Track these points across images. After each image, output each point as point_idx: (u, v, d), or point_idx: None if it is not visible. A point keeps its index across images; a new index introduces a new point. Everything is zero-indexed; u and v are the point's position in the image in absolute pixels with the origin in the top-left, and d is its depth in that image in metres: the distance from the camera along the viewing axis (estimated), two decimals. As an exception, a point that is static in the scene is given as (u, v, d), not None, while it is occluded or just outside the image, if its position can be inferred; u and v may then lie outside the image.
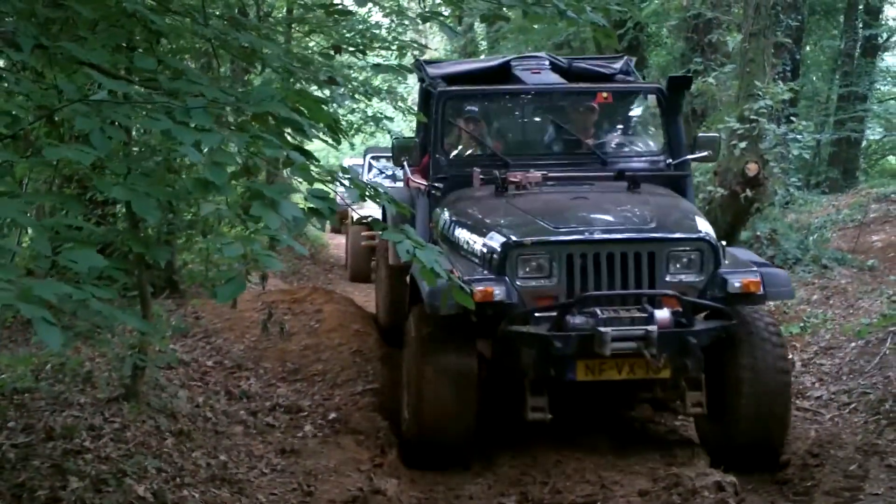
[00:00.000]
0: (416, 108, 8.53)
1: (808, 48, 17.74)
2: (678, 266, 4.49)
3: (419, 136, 6.48)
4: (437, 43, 22.33)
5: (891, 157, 20.26)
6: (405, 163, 5.88)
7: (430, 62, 6.78)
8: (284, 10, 11.39)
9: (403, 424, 4.87)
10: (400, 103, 12.96)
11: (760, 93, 8.35)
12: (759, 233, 8.65)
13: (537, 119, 6.11)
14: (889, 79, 19.31)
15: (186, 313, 6.73)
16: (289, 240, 2.38)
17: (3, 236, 4.68)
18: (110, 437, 4.01)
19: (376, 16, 12.85)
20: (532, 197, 5.02)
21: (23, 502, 3.31)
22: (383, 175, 12.68)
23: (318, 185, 2.62)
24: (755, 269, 4.58)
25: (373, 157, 13.39)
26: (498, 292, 4.31)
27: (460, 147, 5.79)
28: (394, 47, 10.35)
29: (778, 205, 10.03)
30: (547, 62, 6.14)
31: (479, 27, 18.53)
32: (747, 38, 8.89)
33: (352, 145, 14.80)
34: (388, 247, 6.57)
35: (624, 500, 4.07)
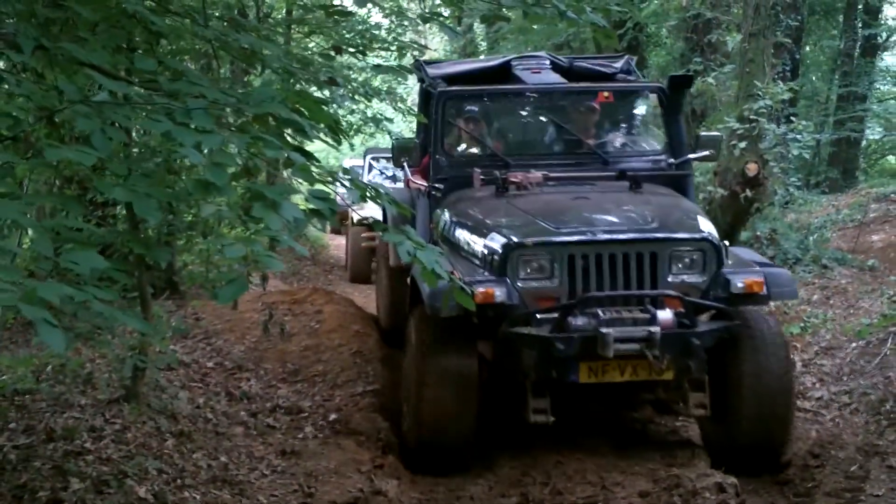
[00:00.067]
0: (416, 109, 8.53)
1: (807, 48, 17.74)
2: (680, 266, 4.46)
3: (419, 137, 6.47)
4: (436, 43, 22.32)
5: (890, 157, 20.25)
6: (405, 163, 5.87)
7: (429, 62, 6.77)
8: (284, 12, 11.39)
9: (404, 426, 4.85)
10: (400, 104, 12.95)
11: (760, 93, 8.35)
12: (759, 233, 8.65)
13: (538, 119, 6.09)
14: (889, 78, 19.30)
15: (186, 314, 6.73)
16: (290, 241, 2.38)
17: (4, 237, 4.68)
18: (111, 438, 4.01)
19: (376, 17, 12.86)
20: (533, 197, 4.99)
21: (24, 503, 3.31)
22: (383, 176, 12.68)
23: (318, 186, 2.62)
24: (758, 268, 4.56)
25: (373, 158, 13.40)
26: (499, 293, 4.29)
27: (461, 147, 5.77)
28: (393, 48, 10.35)
29: (778, 205, 10.02)
30: (547, 62, 6.12)
31: (479, 28, 18.53)
32: (747, 39, 8.89)
33: (351, 146, 14.79)
34: (388, 248, 6.56)
35: (625, 502, 4.07)
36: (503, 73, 5.99)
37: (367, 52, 8.78)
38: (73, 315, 3.67)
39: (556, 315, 4.29)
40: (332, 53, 5.38)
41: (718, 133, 6.31)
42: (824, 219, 11.12)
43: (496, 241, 4.52)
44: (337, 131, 3.09)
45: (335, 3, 4.64)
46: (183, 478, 3.83)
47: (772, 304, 6.08)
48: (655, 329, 4.14)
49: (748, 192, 7.89)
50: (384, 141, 15.52)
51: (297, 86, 3.91)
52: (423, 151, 5.70)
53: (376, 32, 11.31)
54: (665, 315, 4.24)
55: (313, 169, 2.63)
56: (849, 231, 10.40)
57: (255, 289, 6.64)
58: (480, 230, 4.75)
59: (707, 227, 4.63)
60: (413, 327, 4.74)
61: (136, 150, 4.73)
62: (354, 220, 10.43)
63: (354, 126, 14.49)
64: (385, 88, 13.30)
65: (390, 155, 6.05)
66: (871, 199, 12.29)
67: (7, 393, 4.45)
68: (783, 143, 9.15)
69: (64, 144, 3.28)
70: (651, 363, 4.18)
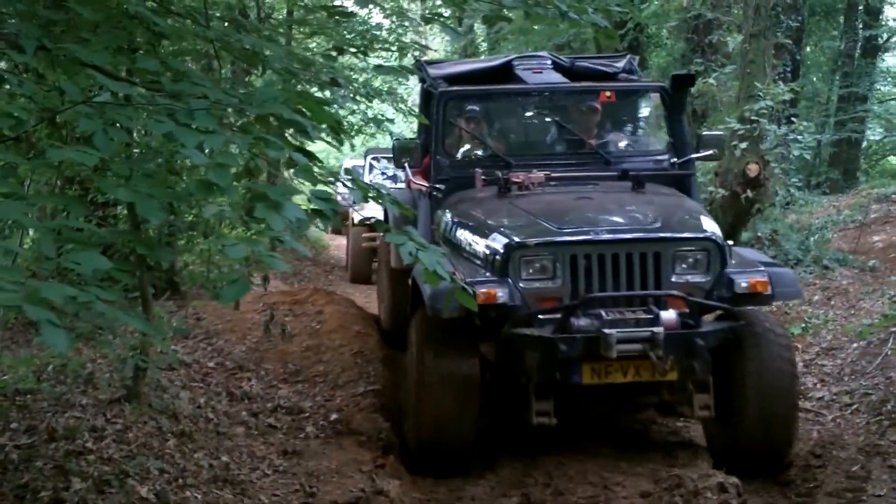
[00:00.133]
0: (416, 110, 8.52)
1: (808, 49, 17.75)
2: (684, 266, 4.42)
3: (420, 138, 6.45)
4: (437, 44, 22.34)
5: (891, 158, 20.26)
6: (406, 164, 5.86)
7: (431, 62, 6.75)
8: (285, 12, 11.41)
9: (405, 428, 4.84)
10: (401, 105, 12.97)
11: (761, 93, 8.36)
12: (759, 233, 8.65)
13: (540, 119, 6.06)
14: (889, 79, 19.33)
15: (187, 315, 6.73)
16: (292, 241, 2.38)
17: (5, 238, 4.68)
18: (112, 438, 4.01)
19: (377, 17, 12.87)
20: (535, 197, 4.96)
21: (26, 503, 3.31)
22: (384, 176, 12.69)
23: (320, 187, 2.62)
24: (762, 268, 4.52)
25: (373, 159, 13.40)
26: (501, 294, 4.26)
27: (462, 148, 5.75)
28: (394, 48, 10.37)
29: (779, 205, 10.03)
30: (549, 61, 6.10)
31: (480, 28, 18.54)
32: (748, 39, 8.90)
33: (352, 147, 14.81)
34: (389, 249, 6.55)
35: (626, 502, 4.08)
36: (505, 73, 5.97)
37: (369, 53, 8.79)
38: (75, 315, 3.68)
39: (558, 316, 4.26)
40: (334, 54, 5.38)
41: (721, 132, 6.28)
42: (825, 219, 11.12)
43: (498, 242, 4.50)
44: (339, 132, 3.09)
45: (336, 3, 4.63)
46: (184, 477, 3.83)
47: (772, 304, 6.06)
48: (659, 330, 4.11)
49: (749, 193, 7.90)
50: (385, 141, 15.53)
51: (299, 86, 3.91)
52: (425, 152, 5.68)
53: (377, 33, 11.33)
54: (668, 315, 4.20)
55: (315, 169, 2.64)
56: (850, 232, 10.40)
57: (257, 289, 6.64)
58: (482, 231, 4.72)
59: (710, 226, 4.60)
60: (414, 329, 4.72)
61: (137, 150, 4.73)
62: (355, 221, 10.44)
63: (355, 126, 14.51)
64: (386, 89, 13.32)
65: (391, 155, 6.03)
66: (871, 199, 12.30)
67: (8, 393, 4.45)
68: (784, 144, 9.15)
69: (65, 145, 3.29)
70: (654, 364, 4.14)
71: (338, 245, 15.43)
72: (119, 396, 4.47)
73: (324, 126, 2.84)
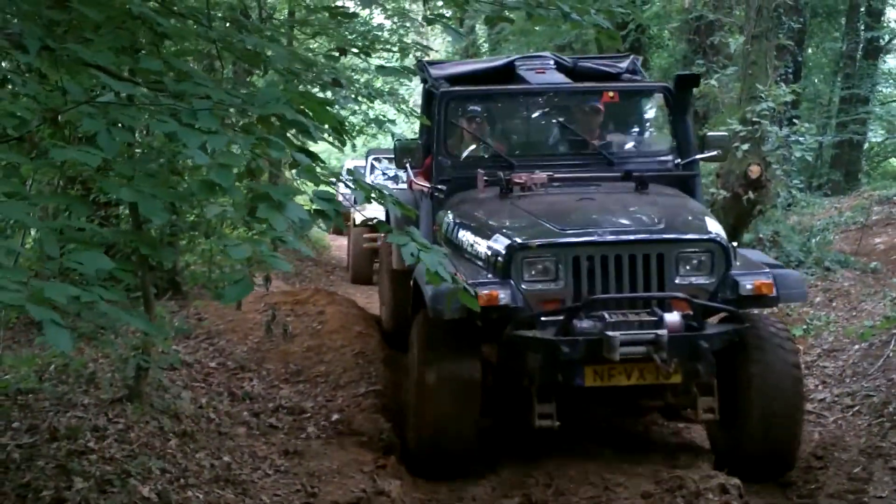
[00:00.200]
0: (418, 110, 8.52)
1: (810, 50, 17.75)
2: (688, 268, 4.38)
3: (422, 138, 6.43)
4: (438, 45, 22.34)
5: (893, 160, 20.24)
6: (408, 165, 5.84)
7: (433, 63, 6.73)
8: (286, 13, 11.42)
9: (406, 430, 4.82)
10: (402, 106, 12.97)
11: (762, 95, 8.36)
12: (761, 235, 8.65)
13: (542, 119, 5.98)
14: (891, 81, 19.33)
15: (189, 315, 6.74)
16: (295, 241, 2.38)
17: (7, 238, 4.69)
18: (114, 437, 4.01)
19: (378, 18, 12.89)
20: (537, 198, 4.93)
21: (28, 502, 3.32)
22: (385, 177, 12.70)
23: (323, 187, 2.63)
24: (767, 270, 4.49)
25: (375, 159, 13.41)
26: (503, 296, 4.23)
27: (464, 148, 5.73)
28: (395, 49, 10.37)
29: (780, 207, 10.03)
30: (552, 62, 6.07)
31: (481, 29, 18.55)
32: (749, 41, 8.90)
33: (353, 147, 14.82)
34: (391, 250, 6.53)
35: (627, 503, 4.07)
36: (507, 73, 5.93)
37: (371, 54, 8.79)
38: (77, 315, 3.68)
39: (561, 318, 4.22)
40: (336, 54, 5.37)
41: (726, 132, 6.23)
42: (827, 221, 11.12)
43: (500, 243, 4.47)
44: (341, 132, 3.10)
45: (338, 4, 4.63)
46: (186, 477, 3.83)
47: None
48: (662, 332, 4.06)
49: (751, 195, 7.89)
50: (386, 142, 15.54)
51: (301, 87, 3.91)
52: (426, 152, 5.66)
53: (378, 34, 11.34)
54: (672, 318, 4.16)
55: (318, 170, 2.64)
56: (851, 233, 10.41)
57: (258, 289, 6.64)
58: (484, 232, 4.69)
59: (715, 227, 4.56)
60: (416, 330, 4.70)
61: (138, 150, 4.73)
62: (356, 221, 10.44)
63: (357, 127, 14.52)
64: (387, 90, 13.32)
65: (392, 156, 6.02)
66: (873, 201, 12.30)
67: (10, 392, 4.46)
68: (785, 146, 9.15)
69: (68, 145, 3.29)
70: (658, 367, 4.10)
71: (339, 245, 15.44)
72: (121, 396, 4.47)
73: (326, 126, 2.84)
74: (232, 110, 2.63)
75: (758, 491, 4.35)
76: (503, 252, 4.42)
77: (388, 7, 11.44)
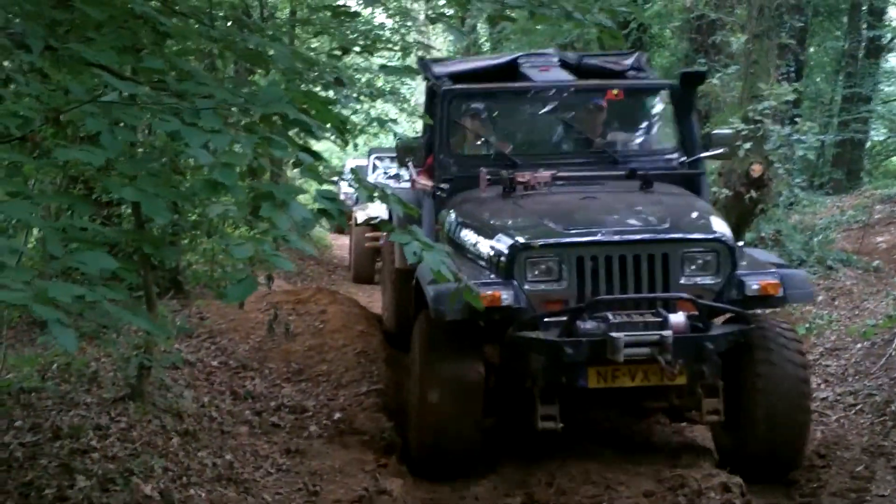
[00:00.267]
0: (420, 110, 8.51)
1: (811, 49, 17.72)
2: (693, 268, 4.33)
3: (425, 137, 6.40)
4: (440, 44, 22.34)
5: (895, 158, 20.22)
6: (410, 163, 5.81)
7: (435, 61, 6.71)
8: (288, 12, 11.43)
9: (408, 430, 4.79)
10: (404, 105, 12.98)
11: (764, 94, 8.36)
12: (763, 234, 8.64)
13: (546, 118, 5.86)
14: (893, 79, 19.29)
15: (191, 314, 6.74)
16: (298, 241, 2.38)
17: (11, 237, 4.69)
18: (117, 436, 4.02)
19: (380, 17, 12.89)
20: (540, 198, 4.89)
21: (31, 501, 3.32)
22: (387, 175, 12.71)
23: (326, 186, 2.63)
24: (773, 270, 4.44)
25: (377, 158, 13.42)
26: (505, 296, 4.19)
27: (466, 147, 5.67)
28: (397, 48, 10.37)
29: (782, 206, 10.01)
30: (556, 59, 6.02)
31: (483, 28, 18.53)
32: (751, 40, 8.91)
33: (355, 146, 14.84)
34: (393, 249, 6.52)
35: (629, 502, 4.06)
36: (510, 70, 5.87)
37: (373, 53, 8.78)
38: (80, 314, 3.68)
39: (564, 319, 4.19)
40: (339, 53, 5.38)
41: (731, 131, 6.18)
42: (829, 220, 11.11)
43: (502, 243, 4.43)
44: (344, 131, 3.10)
45: (339, 3, 4.63)
46: (188, 476, 3.84)
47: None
48: (667, 333, 4.02)
49: (752, 193, 7.89)
50: (388, 141, 15.55)
51: (303, 86, 3.91)
52: (429, 151, 5.63)
53: (380, 33, 11.34)
54: (677, 318, 4.11)
55: (321, 169, 2.64)
56: (853, 232, 10.40)
57: (261, 288, 6.64)
58: (486, 231, 4.66)
59: (720, 227, 4.51)
60: (418, 330, 4.68)
61: (141, 150, 4.74)
62: (358, 220, 10.45)
63: (359, 126, 14.52)
64: (389, 89, 13.33)
65: (394, 155, 6.00)
66: (875, 200, 12.29)
67: (13, 391, 4.46)
68: (787, 145, 9.15)
69: (71, 144, 3.30)
70: (663, 368, 4.06)
71: (341, 245, 15.43)
72: (123, 395, 4.48)
73: (329, 126, 2.84)
74: (234, 109, 2.63)
75: (760, 490, 4.34)
76: (506, 252, 4.38)
77: (389, 6, 11.44)
